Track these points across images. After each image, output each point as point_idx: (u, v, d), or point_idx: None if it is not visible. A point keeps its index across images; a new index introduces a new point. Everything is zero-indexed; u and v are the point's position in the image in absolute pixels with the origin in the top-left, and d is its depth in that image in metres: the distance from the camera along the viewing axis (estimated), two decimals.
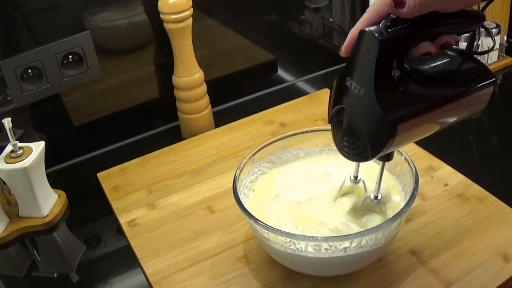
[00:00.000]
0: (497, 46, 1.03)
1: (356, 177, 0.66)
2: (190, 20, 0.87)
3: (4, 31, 0.83)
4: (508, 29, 1.11)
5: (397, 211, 0.59)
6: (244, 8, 1.03)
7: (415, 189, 0.61)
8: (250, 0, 1.04)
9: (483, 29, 0.80)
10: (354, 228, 0.62)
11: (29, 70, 0.84)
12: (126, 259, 0.73)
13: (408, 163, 0.65)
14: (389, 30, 0.49)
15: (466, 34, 0.58)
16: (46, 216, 0.79)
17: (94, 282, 0.71)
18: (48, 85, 0.87)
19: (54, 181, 0.83)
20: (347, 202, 0.66)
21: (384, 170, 0.68)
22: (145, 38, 0.96)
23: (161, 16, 0.86)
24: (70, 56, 0.87)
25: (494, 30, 1.04)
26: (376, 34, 0.49)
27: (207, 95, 0.96)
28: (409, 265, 0.65)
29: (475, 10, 0.54)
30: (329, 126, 0.58)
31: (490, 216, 0.71)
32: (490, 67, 1.04)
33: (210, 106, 0.97)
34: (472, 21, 0.54)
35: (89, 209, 0.84)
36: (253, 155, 0.70)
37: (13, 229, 0.77)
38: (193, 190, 0.82)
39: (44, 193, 0.80)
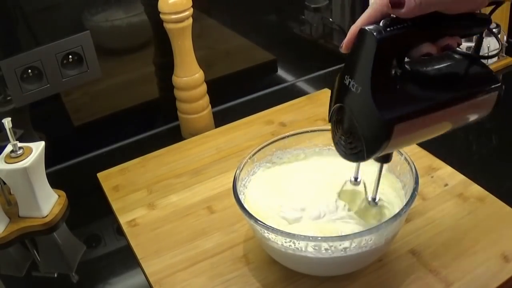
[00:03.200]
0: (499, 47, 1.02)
1: (356, 179, 0.66)
2: (190, 20, 0.87)
3: (4, 31, 0.83)
4: (508, 29, 1.11)
5: (397, 211, 0.59)
6: (244, 8, 1.03)
7: (415, 189, 0.61)
8: (250, 0, 1.04)
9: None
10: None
11: (29, 70, 0.84)
12: (126, 259, 0.73)
13: (408, 163, 0.65)
14: (388, 29, 0.48)
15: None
16: (46, 216, 0.79)
17: (94, 282, 0.71)
18: (48, 85, 0.87)
19: (54, 181, 0.83)
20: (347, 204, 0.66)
21: (384, 170, 0.67)
22: (145, 38, 0.96)
23: (161, 16, 0.86)
24: (70, 56, 0.87)
25: (494, 30, 1.04)
26: (374, 33, 0.48)
27: (207, 95, 0.96)
28: (409, 265, 0.65)
29: (482, 13, 0.53)
30: (329, 126, 0.57)
31: (490, 216, 0.71)
32: (490, 67, 1.05)
33: (210, 106, 0.97)
34: (477, 24, 0.53)
35: (89, 209, 0.84)
36: (253, 155, 0.70)
37: (13, 229, 0.77)
38: (193, 190, 0.82)
39: (44, 193, 0.80)
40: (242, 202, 0.64)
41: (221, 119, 0.98)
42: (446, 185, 0.77)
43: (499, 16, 1.09)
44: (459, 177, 0.78)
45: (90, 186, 0.88)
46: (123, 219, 0.78)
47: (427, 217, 0.72)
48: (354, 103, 0.51)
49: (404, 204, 0.60)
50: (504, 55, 1.08)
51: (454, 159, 0.81)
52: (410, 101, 0.51)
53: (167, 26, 0.87)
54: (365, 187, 0.66)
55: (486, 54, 0.57)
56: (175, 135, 0.98)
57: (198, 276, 0.67)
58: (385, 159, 0.58)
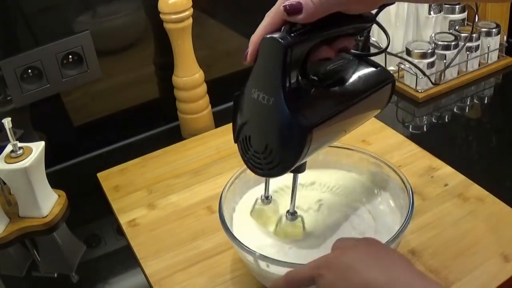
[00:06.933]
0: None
1: (267, 197, 0.65)
2: (190, 20, 0.87)
3: (4, 31, 0.83)
4: (508, 29, 1.11)
5: (392, 235, 0.59)
6: (244, 8, 1.03)
7: (410, 212, 0.61)
8: (250, 0, 1.04)
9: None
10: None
11: (29, 70, 0.84)
12: (126, 259, 0.73)
13: (405, 186, 0.64)
14: (292, 34, 0.47)
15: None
16: (46, 216, 0.79)
17: (94, 282, 0.71)
18: (48, 85, 0.87)
19: (54, 181, 0.83)
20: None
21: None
22: (145, 38, 0.96)
23: (161, 16, 0.86)
24: (70, 56, 0.87)
25: (494, 30, 1.04)
26: (280, 40, 0.47)
27: (207, 95, 0.96)
28: None
29: (368, 12, 0.54)
30: None
31: (490, 216, 0.71)
32: (490, 67, 1.05)
33: (210, 106, 0.97)
34: (366, 22, 0.54)
35: (89, 209, 0.84)
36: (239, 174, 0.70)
37: (13, 229, 0.77)
38: (193, 190, 0.82)
39: (44, 193, 0.80)
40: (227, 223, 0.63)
41: (221, 119, 0.98)
42: (446, 185, 0.77)
43: (499, 16, 1.09)
44: (459, 177, 0.78)
45: (90, 186, 0.88)
46: (123, 219, 0.78)
47: (427, 217, 0.72)
48: (266, 116, 0.50)
49: (399, 228, 0.59)
50: (504, 55, 1.08)
51: (454, 159, 0.81)
52: (320, 105, 0.52)
53: (167, 26, 0.87)
54: (277, 204, 0.65)
55: (376, 50, 0.60)
56: (175, 135, 0.98)
57: (198, 276, 0.67)
58: (298, 170, 0.57)
